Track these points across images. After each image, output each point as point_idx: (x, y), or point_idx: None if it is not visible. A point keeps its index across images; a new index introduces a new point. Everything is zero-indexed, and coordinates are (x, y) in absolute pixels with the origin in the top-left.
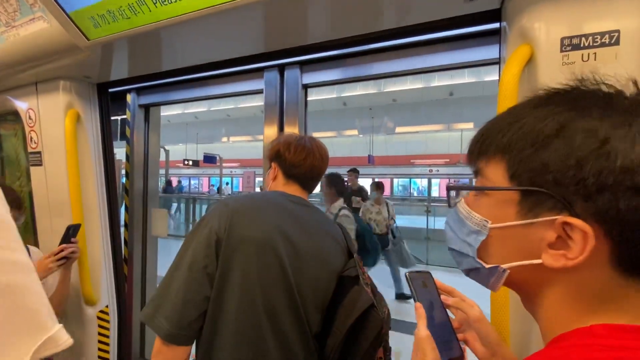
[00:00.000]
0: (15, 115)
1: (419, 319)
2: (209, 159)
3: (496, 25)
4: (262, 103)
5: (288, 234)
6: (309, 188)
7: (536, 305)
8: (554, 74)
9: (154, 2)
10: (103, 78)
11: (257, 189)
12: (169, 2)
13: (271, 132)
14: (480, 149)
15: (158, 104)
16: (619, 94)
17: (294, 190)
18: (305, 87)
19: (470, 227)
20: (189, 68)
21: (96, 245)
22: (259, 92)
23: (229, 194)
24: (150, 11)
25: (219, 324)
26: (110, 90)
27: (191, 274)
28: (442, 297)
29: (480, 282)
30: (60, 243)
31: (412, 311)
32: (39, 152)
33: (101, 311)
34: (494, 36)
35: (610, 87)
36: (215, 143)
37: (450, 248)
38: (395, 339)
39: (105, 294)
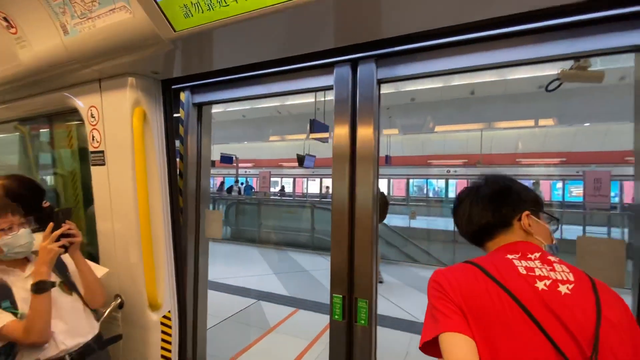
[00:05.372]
0: (69, 114)
1: None
2: (226, 159)
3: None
4: (278, 103)
5: None
6: None
7: None
8: None
9: None
10: (167, 74)
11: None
12: None
13: (342, 130)
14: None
15: (213, 103)
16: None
17: None
18: (380, 82)
19: None
20: (249, 66)
21: (161, 248)
22: (329, 88)
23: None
24: None
25: None
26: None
27: None
28: None
29: None
30: (53, 229)
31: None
32: (102, 152)
33: (164, 316)
34: (616, 22)
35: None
36: (230, 144)
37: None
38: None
39: (168, 299)
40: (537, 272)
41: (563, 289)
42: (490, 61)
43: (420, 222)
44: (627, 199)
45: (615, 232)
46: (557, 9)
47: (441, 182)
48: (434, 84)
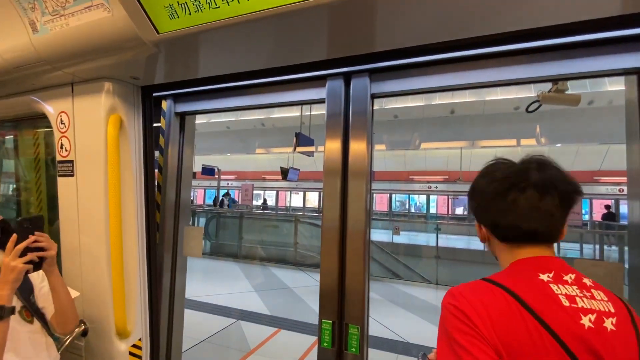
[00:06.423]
0: (37, 119)
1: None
2: (208, 171)
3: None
4: (264, 116)
5: None
6: None
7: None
8: None
9: None
10: (148, 80)
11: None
12: None
13: (334, 145)
14: None
15: (197, 113)
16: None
17: None
18: (373, 96)
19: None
20: (237, 74)
21: (133, 269)
22: (321, 101)
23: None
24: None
25: None
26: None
27: None
28: None
29: None
30: (18, 242)
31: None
32: (71, 162)
33: (134, 345)
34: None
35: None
36: (212, 155)
37: None
38: None
39: (139, 325)
40: (579, 302)
41: (608, 324)
42: (482, 80)
43: (403, 238)
44: (596, 216)
45: (588, 249)
46: (551, 28)
47: (422, 198)
48: (416, 102)
